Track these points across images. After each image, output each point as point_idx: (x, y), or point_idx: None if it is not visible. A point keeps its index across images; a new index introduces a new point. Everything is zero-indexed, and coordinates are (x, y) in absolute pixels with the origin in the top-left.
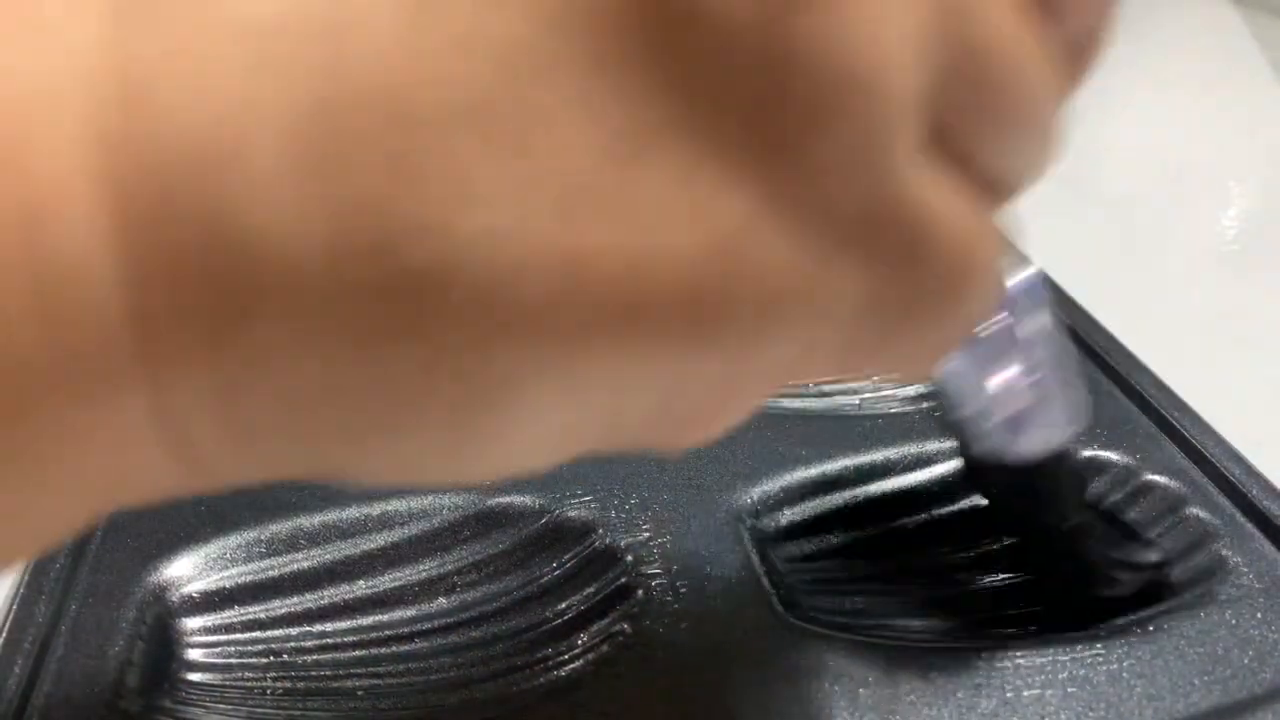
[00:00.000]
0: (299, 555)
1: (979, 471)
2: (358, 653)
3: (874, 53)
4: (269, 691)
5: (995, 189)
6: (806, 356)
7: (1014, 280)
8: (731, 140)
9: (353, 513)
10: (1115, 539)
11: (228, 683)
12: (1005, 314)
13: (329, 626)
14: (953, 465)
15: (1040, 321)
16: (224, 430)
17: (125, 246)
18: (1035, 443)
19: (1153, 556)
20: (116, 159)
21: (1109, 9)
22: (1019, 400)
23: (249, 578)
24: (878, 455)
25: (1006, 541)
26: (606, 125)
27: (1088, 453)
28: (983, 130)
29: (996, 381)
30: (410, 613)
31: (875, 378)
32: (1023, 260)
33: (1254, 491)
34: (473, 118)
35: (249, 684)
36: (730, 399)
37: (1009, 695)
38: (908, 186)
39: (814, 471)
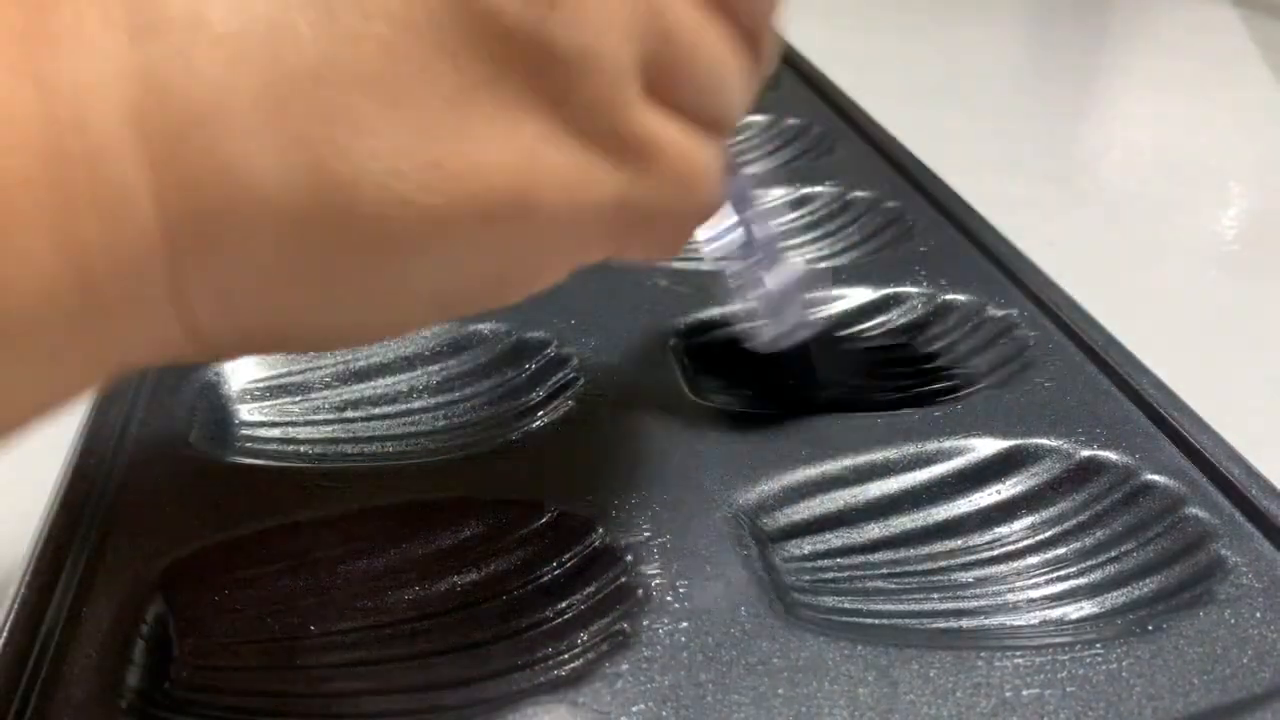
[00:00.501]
0: (299, 554)
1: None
2: (358, 653)
3: (598, 38)
4: (269, 692)
5: (711, 127)
6: (587, 240)
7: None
8: (525, 90)
9: (353, 508)
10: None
11: (227, 683)
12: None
13: (328, 626)
14: (952, 465)
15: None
16: (218, 304)
17: (155, 174)
18: (786, 325)
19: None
20: (147, 120)
21: (771, 13)
22: (773, 289)
23: (249, 576)
24: (877, 455)
25: (1013, 535)
26: (446, 86)
27: (1087, 452)
28: (682, 87)
29: (766, 278)
30: (411, 612)
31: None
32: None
33: (1254, 491)
34: (363, 85)
35: (248, 684)
36: (542, 267)
37: (1009, 695)
38: (637, 116)
39: (814, 471)
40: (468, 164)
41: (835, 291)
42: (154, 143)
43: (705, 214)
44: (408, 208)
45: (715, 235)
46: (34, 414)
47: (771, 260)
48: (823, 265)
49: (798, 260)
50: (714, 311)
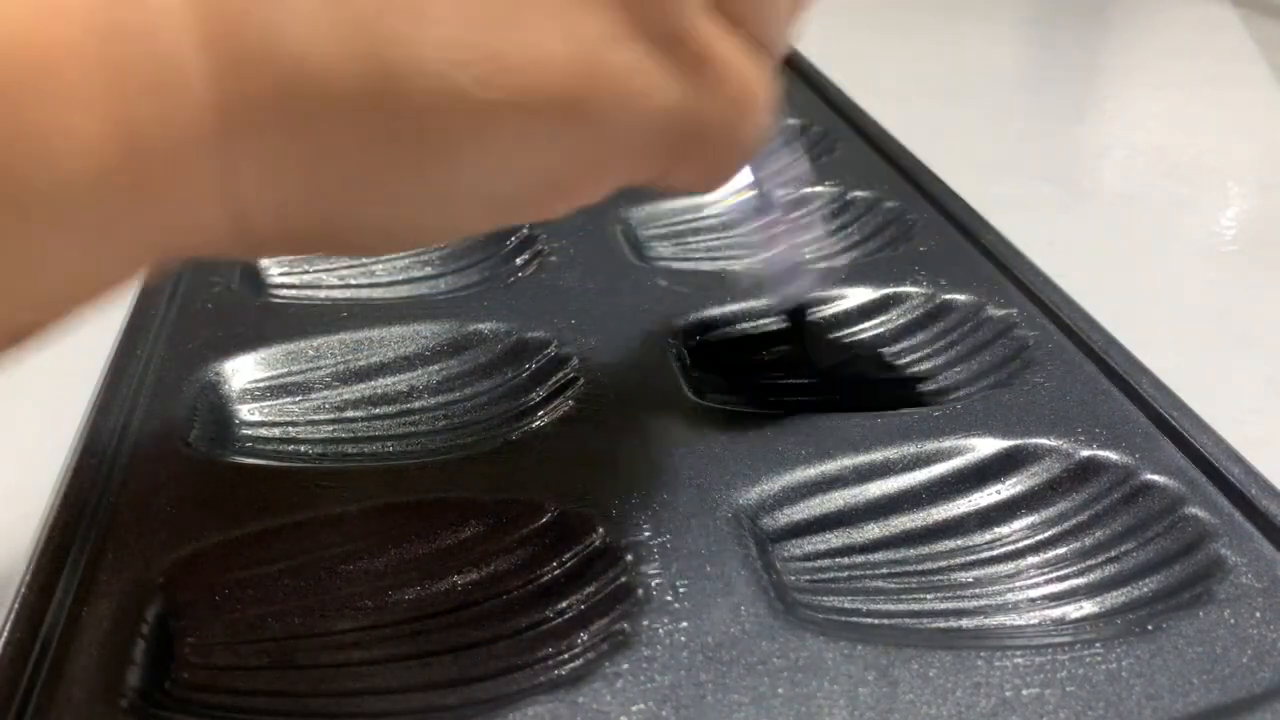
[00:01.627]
0: (299, 554)
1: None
2: (358, 653)
3: None
4: (269, 692)
5: (764, 49)
6: (639, 151)
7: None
8: None
9: (353, 508)
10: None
11: (227, 683)
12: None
13: (329, 626)
14: (952, 465)
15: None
16: (265, 192)
17: (212, 53)
18: (791, 291)
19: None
20: None
21: None
22: (784, 255)
23: (249, 576)
24: (877, 455)
25: (1013, 534)
26: None
27: (1086, 452)
28: (745, 2)
29: (776, 241)
30: (411, 612)
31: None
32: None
33: (1253, 491)
34: None
35: (248, 684)
36: (593, 176)
37: (1008, 695)
38: (703, 25)
39: (814, 471)
40: (528, 58)
41: (835, 291)
42: (211, 21)
43: (754, 142)
44: (464, 100)
45: (732, 191)
46: (80, 297)
47: (784, 225)
48: (823, 265)
49: (813, 227)
50: (714, 311)
